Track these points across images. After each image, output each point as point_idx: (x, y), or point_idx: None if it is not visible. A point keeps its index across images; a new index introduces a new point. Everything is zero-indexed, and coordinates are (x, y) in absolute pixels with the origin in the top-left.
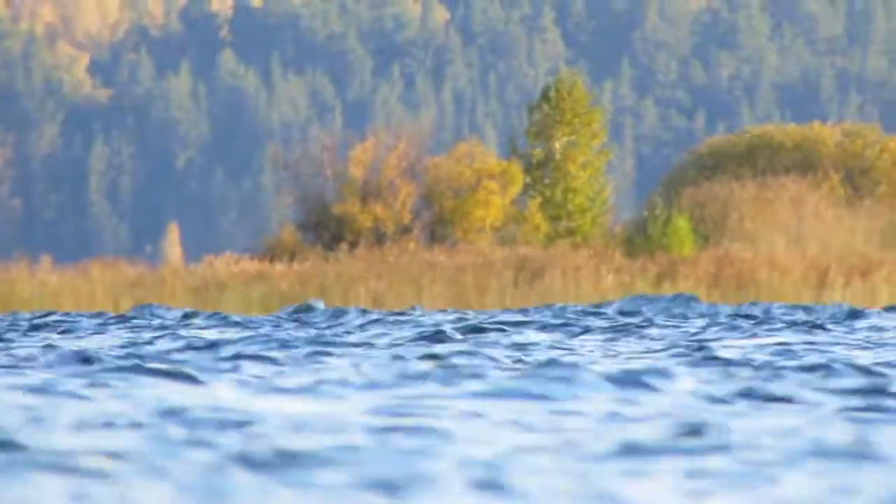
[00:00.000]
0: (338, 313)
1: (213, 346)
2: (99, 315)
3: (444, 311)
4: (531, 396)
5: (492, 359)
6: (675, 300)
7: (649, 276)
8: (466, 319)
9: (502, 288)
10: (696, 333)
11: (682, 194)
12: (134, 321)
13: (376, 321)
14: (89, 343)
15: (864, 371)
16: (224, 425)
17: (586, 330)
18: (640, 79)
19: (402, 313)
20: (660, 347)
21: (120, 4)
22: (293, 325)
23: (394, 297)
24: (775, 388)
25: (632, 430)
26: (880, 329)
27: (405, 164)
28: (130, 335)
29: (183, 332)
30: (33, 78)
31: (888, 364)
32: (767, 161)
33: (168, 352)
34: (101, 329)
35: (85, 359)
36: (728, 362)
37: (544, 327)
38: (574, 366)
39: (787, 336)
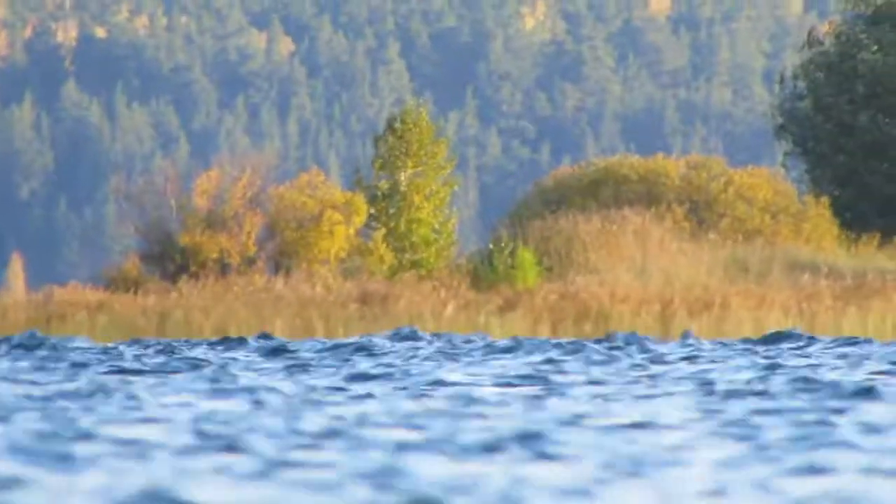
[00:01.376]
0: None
1: None
2: None
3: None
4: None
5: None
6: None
7: (493, 308)
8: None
9: (347, 319)
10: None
11: (528, 227)
12: None
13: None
14: None
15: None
16: None
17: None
18: (484, 110)
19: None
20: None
21: None
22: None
23: (239, 328)
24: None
25: None
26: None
27: (250, 195)
28: None
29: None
30: None
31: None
32: (612, 193)
33: None
34: None
35: None
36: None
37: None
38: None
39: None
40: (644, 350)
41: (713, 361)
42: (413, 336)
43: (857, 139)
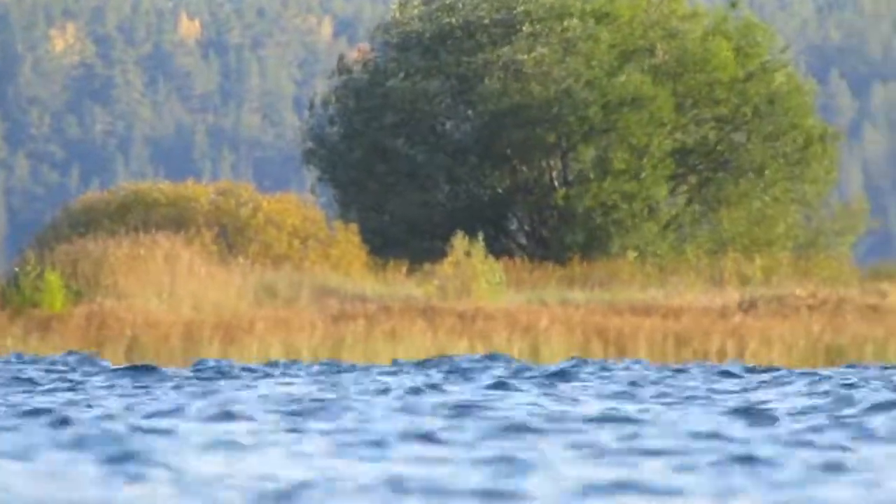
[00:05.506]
0: None
1: None
2: None
3: None
4: None
5: None
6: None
7: (18, 332)
8: None
9: None
10: None
11: (56, 250)
12: None
13: None
14: None
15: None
16: None
17: None
18: (12, 132)
19: None
20: None
21: None
22: None
23: None
24: None
25: None
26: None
27: None
28: None
29: None
30: None
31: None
32: (142, 218)
33: None
34: None
35: None
36: None
37: None
38: None
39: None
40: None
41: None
42: None
43: (388, 166)
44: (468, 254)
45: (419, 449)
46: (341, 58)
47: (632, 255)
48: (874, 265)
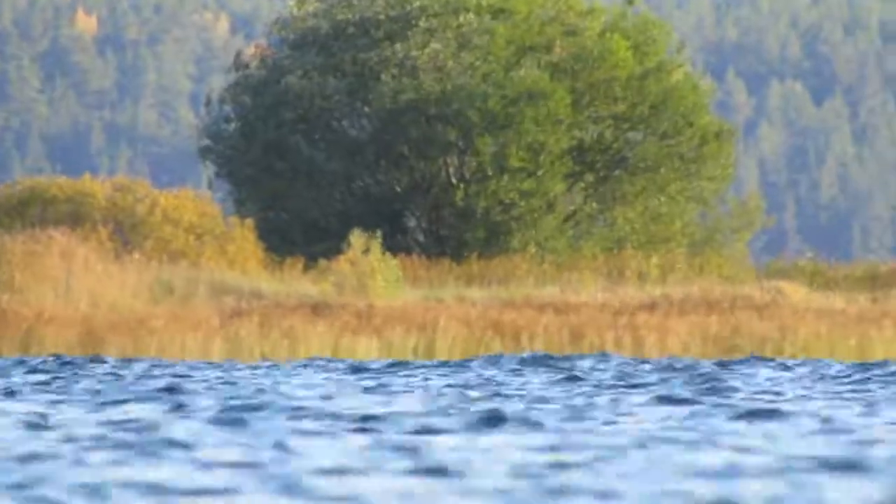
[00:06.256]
0: None
1: None
2: None
3: None
4: None
5: None
6: None
7: None
8: None
9: None
10: None
11: None
12: None
13: None
14: None
15: None
16: None
17: None
18: None
19: None
20: None
21: None
22: None
23: None
24: None
25: None
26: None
27: None
28: None
29: None
30: None
31: None
32: (39, 214)
33: None
34: None
35: None
36: None
37: None
38: None
39: None
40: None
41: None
42: None
43: (284, 163)
44: (365, 251)
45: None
46: (238, 54)
47: (531, 250)
48: (770, 262)
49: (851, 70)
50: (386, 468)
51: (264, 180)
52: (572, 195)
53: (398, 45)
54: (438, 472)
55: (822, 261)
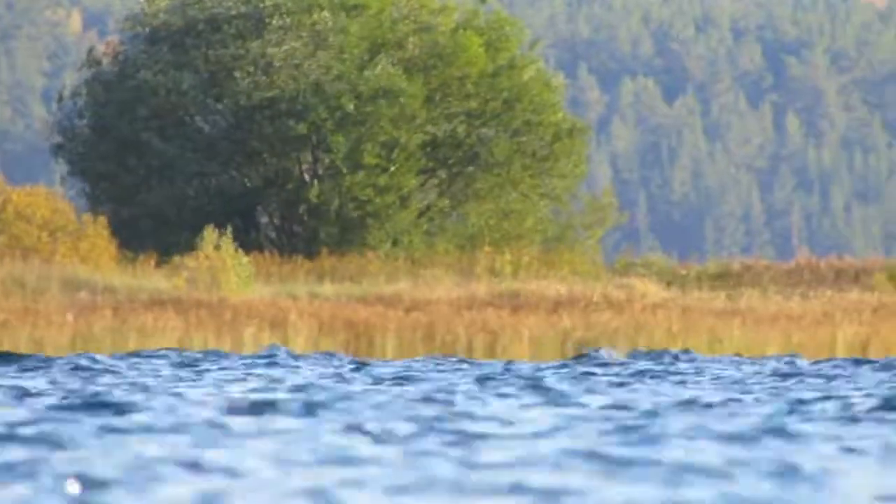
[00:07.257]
0: None
1: None
2: None
3: None
4: None
5: None
6: None
7: None
8: None
9: None
10: None
11: None
12: None
13: None
14: None
15: None
16: None
17: None
18: None
19: None
20: None
21: None
22: None
23: None
24: None
25: None
26: None
27: None
28: None
29: None
30: None
31: None
32: None
33: None
34: None
35: None
36: None
37: None
38: None
39: None
40: None
41: None
42: None
43: (138, 159)
44: (217, 247)
45: None
46: (90, 50)
47: (386, 245)
48: (622, 259)
49: (703, 67)
50: None
51: (117, 176)
52: (426, 191)
53: (254, 44)
54: None
55: (672, 258)
